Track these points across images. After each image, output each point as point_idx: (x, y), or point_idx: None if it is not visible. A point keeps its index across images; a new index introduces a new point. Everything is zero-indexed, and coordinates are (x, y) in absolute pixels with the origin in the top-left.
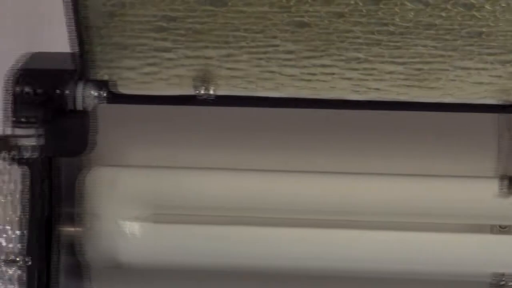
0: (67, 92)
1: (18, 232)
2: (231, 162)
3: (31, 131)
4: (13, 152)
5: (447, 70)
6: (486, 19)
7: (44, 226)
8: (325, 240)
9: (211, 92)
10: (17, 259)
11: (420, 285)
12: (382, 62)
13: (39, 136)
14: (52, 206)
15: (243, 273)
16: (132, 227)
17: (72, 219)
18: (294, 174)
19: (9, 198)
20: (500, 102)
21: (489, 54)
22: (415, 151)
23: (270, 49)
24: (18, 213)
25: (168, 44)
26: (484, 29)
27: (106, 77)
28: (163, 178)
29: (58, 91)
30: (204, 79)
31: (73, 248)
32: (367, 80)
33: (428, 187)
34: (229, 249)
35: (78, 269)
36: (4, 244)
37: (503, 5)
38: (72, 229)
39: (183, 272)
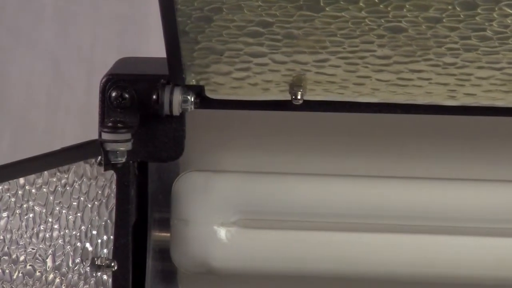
0: (163, 97)
1: (104, 237)
2: (322, 168)
3: (121, 136)
4: (101, 157)
5: None
6: None
7: (131, 231)
8: (410, 245)
9: (306, 97)
10: (103, 263)
11: None
12: (479, 68)
13: (129, 141)
14: (141, 211)
15: (333, 279)
16: (224, 232)
17: (166, 224)
18: (385, 180)
19: (96, 203)
20: None
21: None
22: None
23: (366, 54)
24: (105, 218)
25: (264, 49)
26: None
27: (201, 82)
28: (255, 183)
29: (154, 97)
30: (299, 84)
31: (164, 253)
32: (463, 85)
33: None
34: (320, 255)
35: (167, 275)
36: (90, 248)
37: None
38: (164, 234)
39: (273, 278)
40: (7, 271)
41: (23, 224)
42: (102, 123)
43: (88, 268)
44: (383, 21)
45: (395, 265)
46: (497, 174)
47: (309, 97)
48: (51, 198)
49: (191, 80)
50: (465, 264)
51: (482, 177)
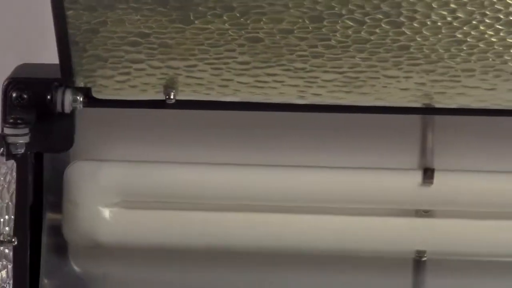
0: (56, 97)
1: (6, 217)
2: (194, 157)
3: (20, 131)
4: (3, 149)
5: (379, 78)
6: (414, 34)
7: (29, 212)
8: (272, 223)
9: (178, 97)
10: (5, 239)
11: (356, 261)
12: (324, 72)
13: (27, 135)
14: (37, 195)
15: (204, 252)
16: (108, 212)
17: (59, 206)
18: (248, 167)
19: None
20: (423, 106)
21: (415, 65)
22: (355, 148)
23: (229, 60)
24: (7, 200)
25: (142, 56)
26: (411, 43)
27: (89, 85)
28: (134, 170)
29: (48, 97)
30: (172, 86)
31: (57, 230)
32: (311, 87)
33: (366, 177)
34: (188, 231)
35: (60, 249)
36: None
37: (428, 23)
38: (56, 214)
39: (151, 251)
40: None
41: None
42: (4, 120)
43: None
44: (243, 32)
45: (250, 239)
46: (345, 162)
47: (181, 97)
48: None
49: (80, 83)
50: (333, 238)
51: (330, 165)
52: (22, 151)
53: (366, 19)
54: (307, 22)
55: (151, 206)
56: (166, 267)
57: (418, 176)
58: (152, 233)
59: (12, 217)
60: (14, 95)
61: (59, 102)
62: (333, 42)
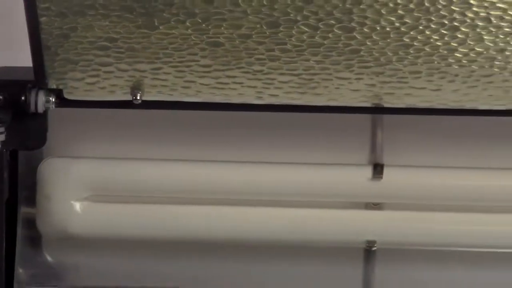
0: (30, 98)
1: None
2: (159, 154)
3: None
4: None
5: (332, 80)
6: (364, 39)
7: (5, 206)
8: (228, 216)
9: (144, 98)
10: None
11: (309, 251)
12: (281, 74)
13: (3, 133)
14: (12, 190)
15: (168, 242)
16: (79, 206)
17: (33, 200)
18: (212, 163)
19: None
20: (373, 105)
21: (366, 67)
22: (310, 145)
23: (191, 63)
24: None
25: (110, 60)
26: (362, 47)
27: (61, 86)
28: (103, 166)
29: (23, 98)
30: (139, 88)
31: (31, 223)
32: (268, 88)
33: (319, 172)
34: (154, 223)
35: (34, 240)
36: None
37: (378, 28)
38: (31, 208)
39: (118, 241)
40: None
41: None
42: None
43: None
44: (205, 37)
45: (208, 231)
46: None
47: (147, 97)
48: None
49: (53, 85)
50: (287, 229)
51: (285, 161)
52: None
53: (320, 24)
54: (264, 27)
55: (119, 200)
56: (133, 257)
57: (368, 171)
58: (120, 225)
59: None
60: None
61: (33, 102)
62: (289, 46)
